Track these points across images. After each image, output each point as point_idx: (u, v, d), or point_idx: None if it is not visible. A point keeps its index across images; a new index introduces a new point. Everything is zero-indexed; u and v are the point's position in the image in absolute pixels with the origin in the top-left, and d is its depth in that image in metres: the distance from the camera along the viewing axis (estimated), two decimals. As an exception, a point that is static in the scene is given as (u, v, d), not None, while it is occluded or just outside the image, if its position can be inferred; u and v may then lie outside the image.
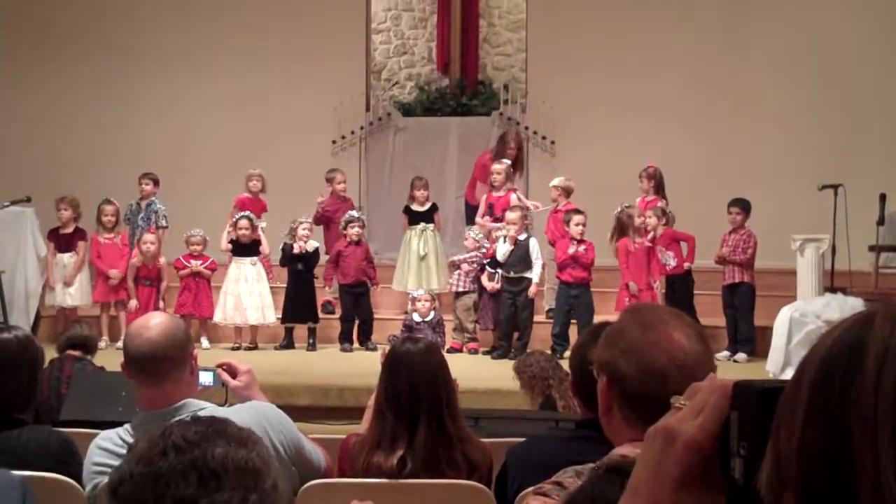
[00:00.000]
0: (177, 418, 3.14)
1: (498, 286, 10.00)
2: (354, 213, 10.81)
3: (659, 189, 10.62)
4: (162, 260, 10.58)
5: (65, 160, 13.22)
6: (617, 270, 10.16)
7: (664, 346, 2.05)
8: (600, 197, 10.94)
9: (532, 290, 9.96)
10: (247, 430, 1.63)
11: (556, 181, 10.91)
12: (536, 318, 10.48)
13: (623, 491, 1.47)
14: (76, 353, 6.16)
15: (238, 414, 3.26)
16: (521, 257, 9.96)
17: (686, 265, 10.18)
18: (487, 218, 10.63)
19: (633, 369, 2.06)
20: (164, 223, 11.14)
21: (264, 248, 10.65)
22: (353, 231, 10.43)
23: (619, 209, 10.19)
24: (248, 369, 3.64)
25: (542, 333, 10.18)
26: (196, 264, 10.53)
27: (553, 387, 5.36)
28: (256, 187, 11.32)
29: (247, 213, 10.65)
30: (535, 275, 9.97)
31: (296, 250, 10.36)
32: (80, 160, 13.23)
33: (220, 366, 3.67)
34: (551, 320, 10.19)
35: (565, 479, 2.03)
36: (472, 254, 10.36)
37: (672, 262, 10.16)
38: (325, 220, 11.31)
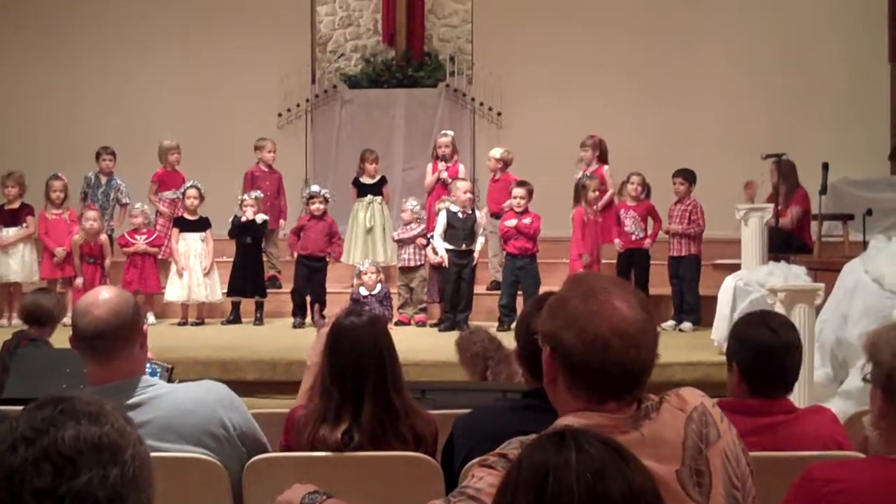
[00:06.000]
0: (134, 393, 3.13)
1: (441, 259, 10.01)
2: (316, 187, 10.71)
3: (602, 158, 10.67)
4: (103, 237, 10.47)
5: (8, 136, 13.03)
6: (563, 241, 10.22)
7: (606, 315, 2.06)
8: (548, 167, 10.99)
9: (474, 261, 10.08)
10: (97, 403, 1.56)
11: (496, 152, 10.95)
12: (481, 289, 10.55)
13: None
14: (33, 331, 6.11)
15: (188, 391, 3.24)
16: (470, 230, 10.01)
17: (647, 242, 10.29)
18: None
19: (575, 339, 2.06)
20: (126, 199, 11.10)
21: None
22: (314, 206, 10.36)
23: (578, 176, 10.23)
24: None
25: (489, 304, 10.22)
26: (141, 240, 10.46)
27: (490, 368, 5.39)
28: (178, 160, 11.25)
29: (195, 182, 10.57)
30: (477, 246, 10.09)
31: (244, 219, 10.30)
32: (26, 136, 13.04)
33: None
34: (496, 292, 10.24)
35: (510, 450, 2.03)
36: (418, 228, 10.37)
37: (641, 234, 10.25)
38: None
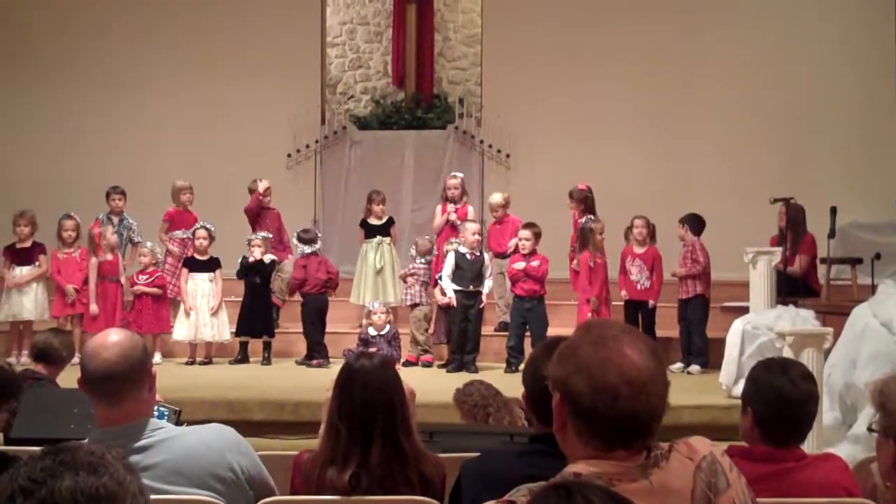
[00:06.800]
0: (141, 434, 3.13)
1: (449, 300, 10.00)
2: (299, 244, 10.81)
3: (588, 210, 10.54)
4: (123, 279, 10.55)
5: (18, 176, 13.09)
6: (570, 283, 10.21)
7: (616, 363, 2.06)
8: (556, 208, 11.00)
9: (482, 303, 10.07)
10: (98, 453, 1.58)
11: (497, 198, 10.95)
12: (489, 331, 10.53)
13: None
14: (40, 370, 6.10)
15: (196, 434, 3.23)
16: (477, 271, 10.00)
17: (651, 304, 10.19)
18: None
19: (585, 386, 2.06)
20: (137, 238, 11.17)
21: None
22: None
23: (583, 220, 10.23)
24: None
25: (495, 346, 10.21)
26: (142, 280, 10.53)
27: (492, 415, 5.40)
28: (190, 200, 11.30)
29: (205, 223, 10.62)
30: (486, 288, 10.07)
31: (251, 259, 10.35)
32: (35, 176, 13.10)
33: None
34: (504, 333, 10.22)
35: (518, 497, 2.03)
36: (417, 264, 10.41)
37: (647, 284, 10.19)
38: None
